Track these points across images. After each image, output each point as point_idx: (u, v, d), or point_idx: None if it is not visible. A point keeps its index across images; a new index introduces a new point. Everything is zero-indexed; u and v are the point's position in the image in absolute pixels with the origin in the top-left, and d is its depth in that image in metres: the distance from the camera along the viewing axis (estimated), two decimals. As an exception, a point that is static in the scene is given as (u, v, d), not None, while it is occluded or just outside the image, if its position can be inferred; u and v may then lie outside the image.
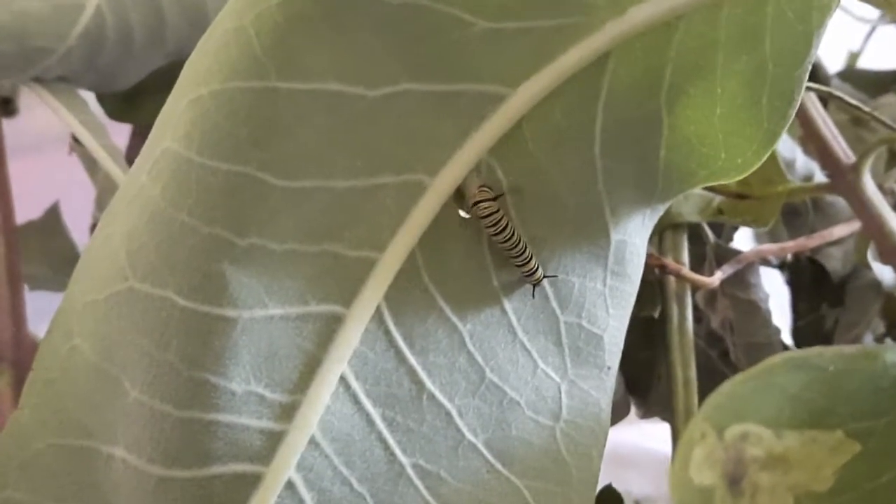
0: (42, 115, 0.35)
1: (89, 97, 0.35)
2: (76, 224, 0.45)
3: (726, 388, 0.16)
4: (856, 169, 0.31)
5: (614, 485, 0.34)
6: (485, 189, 0.23)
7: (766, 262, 0.42)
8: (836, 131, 0.32)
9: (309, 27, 0.21)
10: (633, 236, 0.25)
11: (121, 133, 0.39)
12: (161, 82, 0.22)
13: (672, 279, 0.34)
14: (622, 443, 0.57)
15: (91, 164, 0.38)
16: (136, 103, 0.35)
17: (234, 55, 0.21)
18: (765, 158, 0.24)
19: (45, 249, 0.43)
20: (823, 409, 0.17)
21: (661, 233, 0.34)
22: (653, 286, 0.34)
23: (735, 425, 0.16)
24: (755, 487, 0.16)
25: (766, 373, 0.17)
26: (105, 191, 0.38)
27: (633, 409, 0.41)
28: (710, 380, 0.32)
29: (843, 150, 0.32)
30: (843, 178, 0.32)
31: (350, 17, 0.21)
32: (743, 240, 0.47)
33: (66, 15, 0.30)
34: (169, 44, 0.33)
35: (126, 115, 0.36)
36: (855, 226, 0.36)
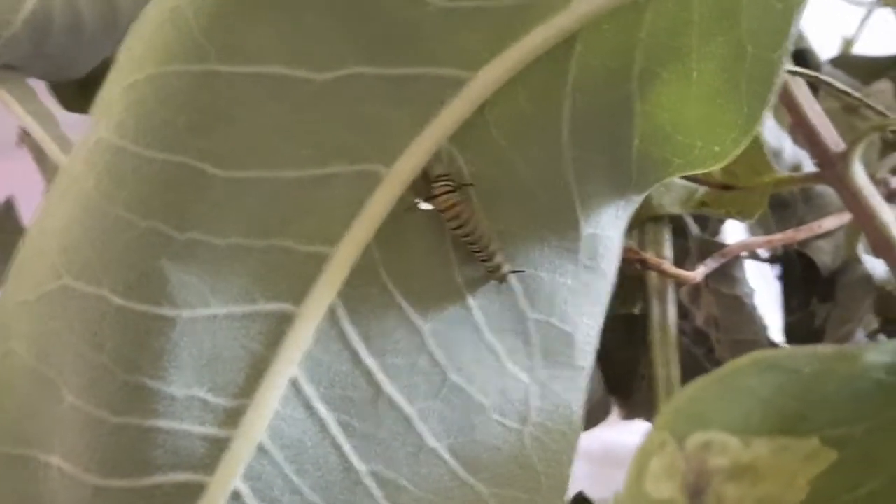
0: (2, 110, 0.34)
1: (40, 87, 0.34)
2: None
3: (688, 392, 0.15)
4: (845, 158, 0.30)
5: (605, 485, 0.33)
6: (444, 179, 0.22)
7: (755, 256, 0.41)
8: (825, 119, 0.31)
9: (251, 6, 0.20)
10: (607, 229, 0.24)
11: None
12: (118, 71, 0.21)
13: (653, 274, 0.32)
14: (613, 442, 0.56)
15: (41, 156, 0.37)
16: (91, 93, 0.34)
17: (170, 37, 0.20)
18: (744, 146, 0.23)
19: (-1, 246, 0.41)
20: (797, 415, 0.16)
21: (642, 225, 0.33)
22: (633, 282, 0.32)
23: (697, 433, 0.15)
24: (720, 500, 0.15)
25: (731, 375, 0.15)
26: (55, 184, 0.37)
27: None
28: (695, 378, 0.31)
29: (833, 139, 0.31)
30: (832, 168, 0.30)
31: (295, -5, 0.20)
32: (735, 233, 0.46)
33: (10, -1, 0.29)
34: (121, 30, 0.32)
35: (81, 105, 0.35)
36: (845, 217, 0.35)
